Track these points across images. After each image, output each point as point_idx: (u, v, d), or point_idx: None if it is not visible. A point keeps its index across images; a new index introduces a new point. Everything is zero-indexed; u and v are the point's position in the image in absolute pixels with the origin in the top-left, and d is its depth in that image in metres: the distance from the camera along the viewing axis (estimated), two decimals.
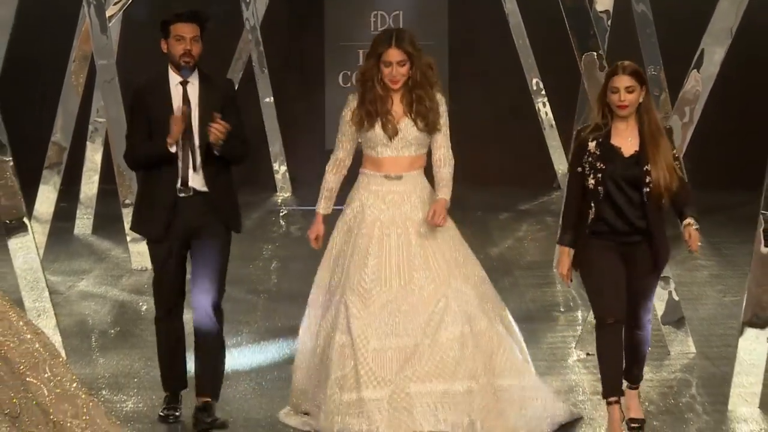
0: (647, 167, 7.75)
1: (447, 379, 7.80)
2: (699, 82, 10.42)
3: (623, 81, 7.83)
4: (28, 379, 5.62)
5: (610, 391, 7.83)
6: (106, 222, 14.93)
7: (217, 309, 8.33)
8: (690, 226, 7.74)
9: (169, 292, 8.34)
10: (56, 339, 9.60)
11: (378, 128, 7.98)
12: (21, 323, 5.72)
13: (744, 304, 8.84)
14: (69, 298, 12.20)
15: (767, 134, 8.81)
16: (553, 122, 16.30)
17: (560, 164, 16.00)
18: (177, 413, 8.43)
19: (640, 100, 7.86)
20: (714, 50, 10.32)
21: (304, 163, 17.25)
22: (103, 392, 9.17)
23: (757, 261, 8.77)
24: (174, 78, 8.19)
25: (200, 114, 8.14)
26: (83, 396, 5.72)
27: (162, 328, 8.46)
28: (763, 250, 8.74)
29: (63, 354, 9.48)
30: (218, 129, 7.95)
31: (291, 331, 9.98)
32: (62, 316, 10.58)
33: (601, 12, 12.39)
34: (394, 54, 7.89)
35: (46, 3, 15.23)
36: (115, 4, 13.75)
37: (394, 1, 18.39)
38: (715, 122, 11.95)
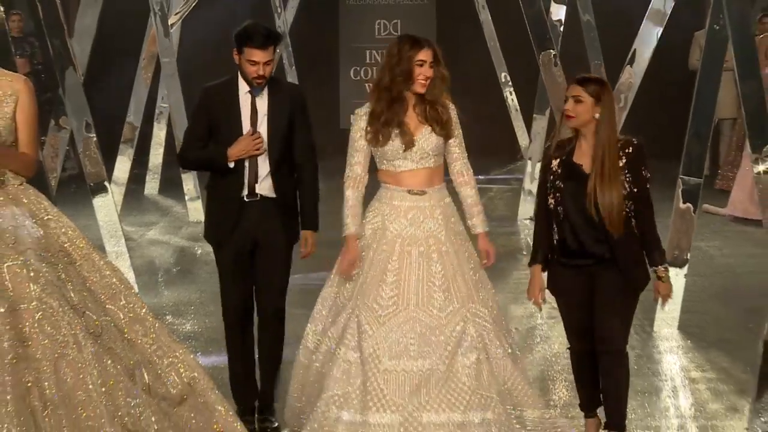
0: (596, 191, 5.90)
1: (462, 409, 6.03)
2: (632, 75, 10.50)
3: (572, 90, 6.00)
4: (107, 306, 5.62)
5: (587, 408, 6.31)
6: (169, 185, 14.94)
7: (282, 312, 6.74)
8: (659, 279, 6.08)
9: (236, 299, 6.71)
10: (130, 275, 9.62)
11: (395, 140, 6.17)
12: (102, 263, 5.72)
13: (667, 248, 8.87)
14: (140, 244, 12.22)
15: (685, 116, 8.79)
16: (518, 107, 16.39)
17: (523, 140, 16.16)
18: (274, 422, 6.73)
19: (596, 116, 5.92)
20: (643, 50, 10.39)
21: (321, 139, 17.19)
22: (167, 317, 9.19)
23: (677, 213, 8.82)
24: (243, 86, 6.53)
25: (269, 125, 6.54)
26: (151, 319, 5.73)
27: (231, 335, 6.79)
28: (681, 205, 8.77)
29: (135, 287, 9.53)
30: None
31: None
32: (135, 257, 10.60)
33: (555, 20, 12.82)
34: (427, 53, 6.17)
35: (121, 13, 15.16)
36: (176, 14, 13.78)
37: (393, 12, 18.39)
38: (645, 106, 11.94)
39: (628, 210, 5.93)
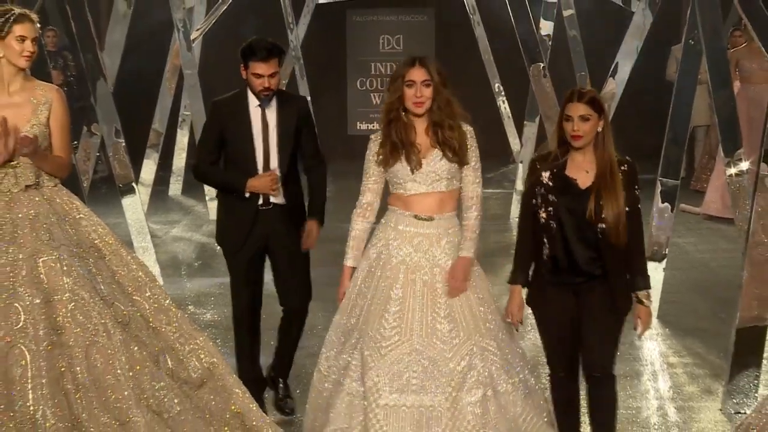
0: (601, 202, 5.28)
1: None
2: (614, 86, 10.48)
3: (578, 109, 5.29)
4: (134, 297, 5.60)
5: None
6: (191, 186, 14.89)
7: (305, 312, 6.60)
8: (640, 305, 5.42)
9: (247, 299, 6.54)
10: (155, 269, 9.61)
11: (404, 161, 5.48)
12: (129, 257, 5.69)
13: (647, 244, 8.85)
14: (165, 240, 12.19)
15: (662, 123, 8.78)
16: (510, 114, 16.32)
17: (515, 145, 16.08)
18: (291, 401, 6.67)
19: (599, 130, 5.35)
20: (625, 63, 10.38)
21: (331, 144, 17.19)
22: (189, 307, 9.16)
23: (656, 212, 8.79)
24: (253, 100, 6.31)
25: (278, 135, 6.32)
26: (174, 309, 5.70)
27: (240, 333, 6.64)
28: (660, 205, 8.76)
29: (160, 279, 9.52)
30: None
31: None
32: (160, 253, 10.58)
33: (544, 35, 12.95)
34: (417, 73, 5.45)
35: (147, 29, 15.16)
36: (197, 30, 13.79)
37: (396, 28, 18.36)
38: (625, 114, 11.90)
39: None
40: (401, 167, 5.49)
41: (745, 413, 6.49)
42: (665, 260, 8.80)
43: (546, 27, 13.72)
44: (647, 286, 5.44)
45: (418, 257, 5.47)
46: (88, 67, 9.87)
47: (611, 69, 10.51)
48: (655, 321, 8.57)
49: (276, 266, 6.51)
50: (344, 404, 5.39)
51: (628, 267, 5.38)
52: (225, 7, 14.07)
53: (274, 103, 6.34)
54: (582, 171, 5.37)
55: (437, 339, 5.35)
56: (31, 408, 5.14)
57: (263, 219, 6.37)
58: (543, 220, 5.39)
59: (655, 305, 8.68)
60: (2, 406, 5.15)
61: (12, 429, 5.12)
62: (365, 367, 5.33)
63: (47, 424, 5.12)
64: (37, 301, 5.29)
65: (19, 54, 5.51)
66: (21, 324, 5.25)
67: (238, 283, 6.54)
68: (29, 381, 5.17)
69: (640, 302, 5.40)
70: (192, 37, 13.46)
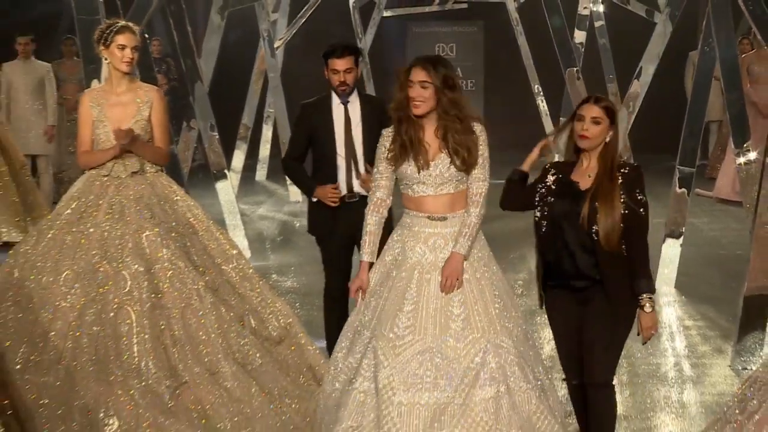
0: (596, 205, 4.57)
1: None
2: (639, 87, 10.37)
3: (592, 110, 4.64)
4: (222, 267, 5.61)
5: None
6: (275, 172, 14.86)
7: None
8: (641, 308, 4.62)
9: (338, 285, 6.06)
10: (244, 243, 9.65)
11: (411, 162, 4.70)
12: (218, 233, 5.71)
13: (666, 223, 8.80)
14: (252, 219, 12.22)
15: (679, 118, 8.68)
16: (547, 112, 16.18)
17: None
18: None
19: (607, 140, 4.66)
20: (648, 67, 10.27)
21: None
22: (273, 275, 9.18)
23: (674, 197, 8.72)
24: (336, 99, 6.07)
25: (363, 129, 6.02)
26: (257, 278, 5.71)
27: (329, 315, 6.20)
28: (678, 190, 8.69)
29: (248, 252, 9.56)
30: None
31: None
32: (248, 229, 10.60)
33: (578, 43, 12.93)
34: (415, 74, 4.67)
35: (237, 37, 15.22)
36: (280, 39, 13.81)
37: (450, 38, 18.18)
38: (649, 111, 11.75)
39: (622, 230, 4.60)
40: (409, 167, 4.70)
41: (751, 369, 6.43)
42: (682, 237, 8.75)
43: (579, 36, 13.74)
44: (650, 291, 4.61)
45: (434, 257, 4.69)
46: (187, 71, 9.90)
47: (636, 72, 10.37)
48: (673, 290, 8.50)
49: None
50: (356, 403, 4.59)
51: (630, 272, 4.60)
52: (304, 20, 14.09)
53: (356, 101, 6.10)
54: (585, 175, 4.68)
55: (450, 337, 4.59)
56: (136, 359, 5.19)
57: (349, 212, 5.95)
58: (536, 219, 4.72)
59: (672, 276, 8.62)
60: (112, 357, 5.20)
61: (120, 376, 5.17)
62: (379, 366, 4.56)
63: (150, 373, 5.16)
64: (141, 269, 5.33)
65: (120, 60, 5.54)
66: (128, 288, 5.30)
67: (329, 269, 6.20)
68: (134, 336, 5.21)
69: (641, 308, 4.60)
70: (275, 46, 13.49)
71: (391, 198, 4.86)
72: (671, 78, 15.06)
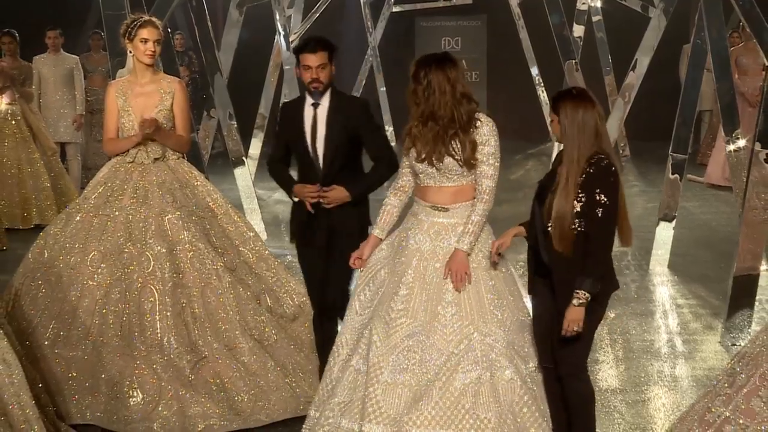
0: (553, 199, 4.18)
1: (453, 429, 4.30)
2: (634, 78, 10.30)
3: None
4: (240, 248, 5.61)
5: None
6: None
7: (336, 307, 5.07)
8: (571, 302, 4.17)
9: (319, 292, 5.16)
10: (260, 227, 9.62)
11: (419, 155, 4.53)
12: (237, 217, 5.70)
13: (659, 207, 8.76)
14: (268, 203, 12.20)
15: (673, 108, 8.63)
16: (548, 101, 16.09)
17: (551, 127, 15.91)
18: None
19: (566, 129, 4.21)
20: (643, 59, 10.18)
21: (398, 131, 17.12)
22: (288, 257, 9.12)
23: (667, 182, 8.67)
24: (309, 99, 5.12)
25: (326, 134, 5.07)
26: (272, 259, 5.71)
27: (316, 325, 5.23)
28: (670, 176, 8.64)
29: (265, 234, 9.53)
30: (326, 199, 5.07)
31: None
32: (264, 213, 10.58)
33: (576, 36, 12.84)
34: (412, 68, 4.59)
35: (254, 31, 15.16)
36: (294, 33, 13.78)
37: (455, 31, 18.14)
38: (645, 100, 11.69)
39: (576, 228, 4.15)
40: (416, 159, 4.52)
41: (740, 345, 6.40)
42: (675, 221, 8.72)
43: (578, 30, 13.70)
44: (587, 289, 4.14)
45: (433, 246, 4.51)
46: (207, 64, 9.88)
47: (631, 64, 10.30)
48: (666, 270, 8.47)
49: (330, 258, 5.14)
50: (350, 379, 4.51)
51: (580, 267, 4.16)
52: (317, 15, 14.06)
53: (326, 102, 5.13)
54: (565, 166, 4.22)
55: (438, 323, 4.41)
56: (159, 335, 5.18)
57: (325, 217, 5.09)
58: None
59: (666, 257, 8.60)
60: (136, 333, 5.20)
61: (143, 351, 5.16)
62: (371, 345, 4.44)
63: (172, 348, 5.15)
64: (164, 250, 5.32)
65: (143, 53, 5.52)
66: (151, 268, 5.29)
67: (311, 280, 5.23)
68: (157, 314, 5.21)
69: (571, 300, 4.17)
70: (291, 39, 13.44)
71: (411, 187, 4.67)
72: (665, 70, 14.99)
